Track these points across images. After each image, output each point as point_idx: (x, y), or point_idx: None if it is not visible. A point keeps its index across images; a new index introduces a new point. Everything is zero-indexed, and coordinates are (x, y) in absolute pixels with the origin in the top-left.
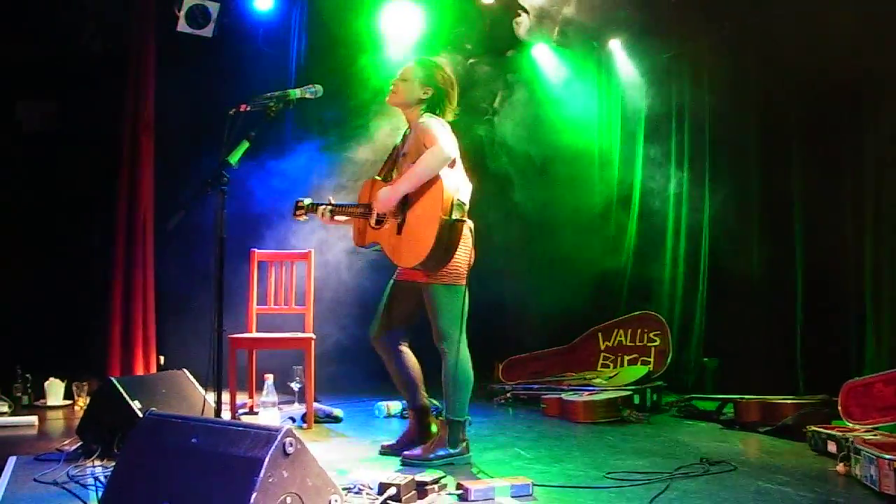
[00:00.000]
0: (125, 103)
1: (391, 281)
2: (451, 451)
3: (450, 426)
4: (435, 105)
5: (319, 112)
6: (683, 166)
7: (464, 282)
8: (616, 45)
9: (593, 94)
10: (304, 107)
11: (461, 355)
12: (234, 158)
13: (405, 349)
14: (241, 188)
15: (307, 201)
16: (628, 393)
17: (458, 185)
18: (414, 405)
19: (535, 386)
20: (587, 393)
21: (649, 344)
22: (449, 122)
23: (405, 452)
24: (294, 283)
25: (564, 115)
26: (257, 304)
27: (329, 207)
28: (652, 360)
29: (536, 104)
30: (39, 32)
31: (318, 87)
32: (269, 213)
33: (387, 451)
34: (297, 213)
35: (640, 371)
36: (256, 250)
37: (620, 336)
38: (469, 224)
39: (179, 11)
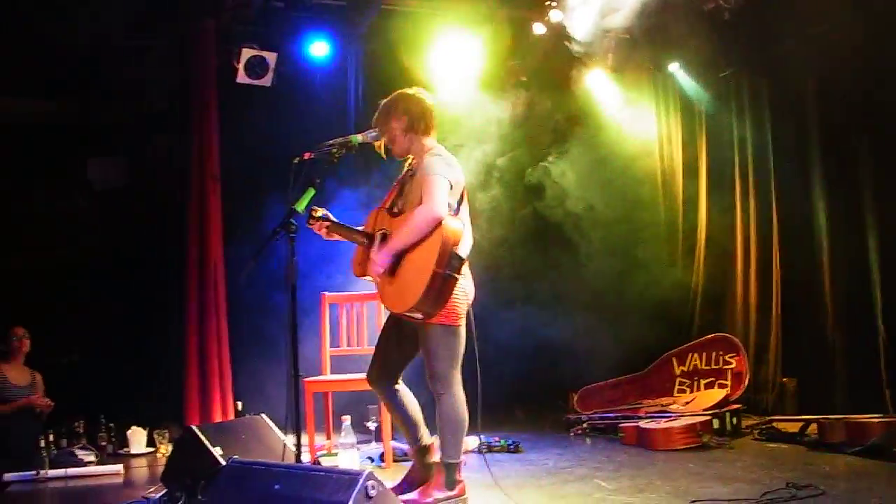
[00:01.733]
0: (191, 156)
1: (388, 318)
2: (449, 493)
3: (446, 468)
4: (416, 127)
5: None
6: (748, 183)
7: (460, 322)
8: (673, 68)
9: (652, 117)
10: (364, 147)
11: (456, 397)
12: (301, 206)
13: (402, 388)
14: (309, 232)
15: (320, 212)
16: (707, 418)
17: (458, 236)
18: (415, 444)
19: (612, 414)
20: (665, 420)
21: (725, 367)
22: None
23: (402, 497)
24: (365, 323)
25: (624, 140)
26: (330, 347)
27: (327, 223)
28: (729, 382)
29: (595, 130)
30: (107, 93)
31: (378, 132)
32: (335, 255)
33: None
34: (310, 221)
35: (717, 395)
36: (326, 294)
37: (695, 360)
38: (470, 280)
39: (238, 63)
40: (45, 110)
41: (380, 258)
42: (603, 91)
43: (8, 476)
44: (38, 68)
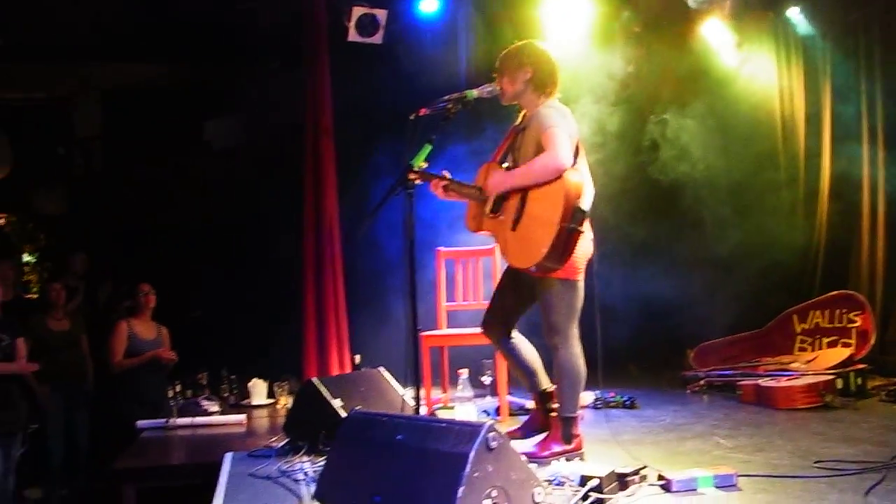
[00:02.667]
0: (305, 114)
1: (506, 267)
2: (566, 447)
3: (563, 422)
4: (541, 84)
5: (493, 107)
6: (876, 134)
7: (579, 276)
8: (794, 13)
9: (772, 67)
10: (478, 103)
11: (573, 350)
12: (417, 161)
13: (517, 336)
14: (423, 187)
15: (420, 168)
16: (830, 377)
17: (580, 189)
18: (535, 390)
19: (730, 372)
20: (785, 378)
21: (849, 325)
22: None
23: (520, 449)
24: (480, 278)
25: (742, 92)
26: (446, 301)
27: (444, 182)
28: (853, 341)
29: (712, 82)
30: (221, 56)
31: (495, 86)
32: (450, 209)
33: (513, 437)
34: (411, 176)
35: (840, 354)
36: (442, 249)
37: (817, 318)
38: (588, 232)
39: (349, 22)
40: (163, 74)
41: (496, 177)
42: (720, 41)
43: (140, 423)
44: (155, 33)
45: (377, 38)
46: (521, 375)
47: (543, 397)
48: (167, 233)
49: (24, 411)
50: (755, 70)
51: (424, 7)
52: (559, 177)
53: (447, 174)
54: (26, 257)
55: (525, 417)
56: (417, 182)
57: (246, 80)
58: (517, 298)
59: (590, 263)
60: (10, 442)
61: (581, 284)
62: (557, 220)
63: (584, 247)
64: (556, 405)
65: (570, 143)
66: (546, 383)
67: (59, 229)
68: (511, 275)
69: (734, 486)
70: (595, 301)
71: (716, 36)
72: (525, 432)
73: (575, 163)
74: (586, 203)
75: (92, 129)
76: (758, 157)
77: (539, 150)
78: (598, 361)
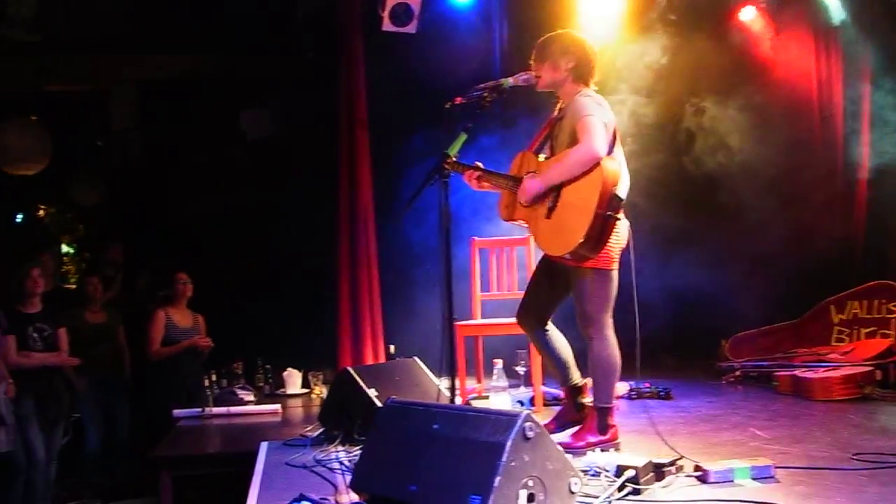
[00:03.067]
0: (339, 104)
1: (541, 258)
2: (601, 437)
3: (598, 413)
4: (582, 73)
5: (528, 96)
6: None
7: (613, 266)
8: None
9: (809, 54)
10: (512, 92)
11: (608, 340)
12: (453, 150)
13: (551, 328)
14: (457, 177)
15: (453, 159)
16: (868, 368)
17: (617, 176)
18: (566, 384)
19: (766, 363)
20: (823, 369)
21: (888, 315)
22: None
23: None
24: (515, 268)
25: (779, 79)
26: (480, 291)
27: (477, 173)
28: (892, 332)
29: (749, 72)
30: (256, 46)
31: (531, 74)
32: (484, 199)
33: (546, 430)
34: (447, 165)
35: (879, 345)
36: (476, 238)
37: (855, 308)
38: (625, 220)
39: (383, 11)
40: (198, 65)
41: (530, 185)
42: (756, 29)
43: (177, 412)
44: (190, 25)
45: (411, 28)
46: (554, 368)
47: (574, 391)
48: (203, 222)
49: (66, 401)
50: (791, 58)
51: None
52: (596, 164)
53: (480, 165)
54: (65, 248)
55: (559, 408)
56: (452, 172)
57: (281, 71)
58: (552, 290)
59: (626, 253)
60: (53, 431)
61: (615, 274)
62: (594, 207)
63: (619, 236)
64: (587, 399)
65: (606, 131)
66: (577, 377)
67: (96, 220)
68: (546, 266)
69: (772, 477)
70: (633, 291)
71: (752, 23)
72: (557, 425)
73: (611, 151)
74: (622, 190)
75: (129, 120)
76: (794, 146)
77: (574, 139)
78: (637, 351)
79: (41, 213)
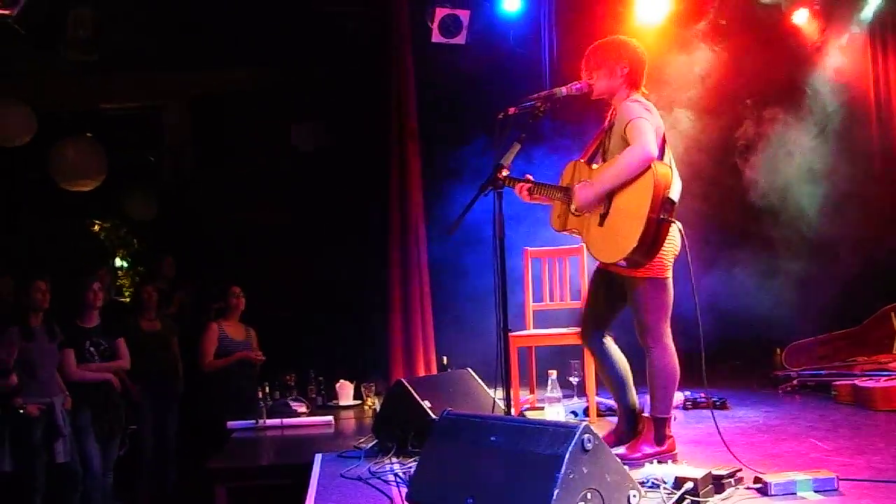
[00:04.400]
0: (390, 115)
1: (595, 270)
2: (658, 448)
3: (655, 423)
4: (635, 80)
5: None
6: None
7: (668, 273)
8: None
9: (866, 54)
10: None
11: (667, 350)
12: (506, 161)
13: (611, 344)
14: (509, 188)
15: (505, 172)
16: None
17: (668, 179)
18: (622, 403)
19: (824, 372)
20: (884, 378)
21: None
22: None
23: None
24: (568, 278)
25: (836, 82)
26: (533, 301)
27: (528, 185)
28: None
29: (804, 76)
30: (307, 59)
31: (585, 83)
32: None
33: None
34: (500, 176)
35: None
36: (529, 248)
37: None
38: (678, 226)
39: (433, 23)
40: (249, 79)
41: (584, 193)
42: (810, 29)
43: (231, 424)
44: (240, 39)
45: (461, 39)
46: (610, 385)
47: (628, 411)
48: (254, 235)
49: (123, 413)
50: (847, 60)
51: (507, 6)
52: (647, 168)
53: (531, 177)
54: (119, 262)
55: (613, 418)
56: (512, 186)
57: (331, 83)
58: (609, 301)
59: (685, 263)
60: (110, 442)
61: (670, 282)
62: (646, 211)
63: (672, 244)
64: (639, 418)
65: (656, 134)
66: (634, 399)
67: (150, 234)
68: (601, 277)
69: (835, 490)
70: (695, 297)
71: (805, 26)
72: (614, 440)
73: (661, 156)
74: (675, 193)
75: (181, 135)
76: (852, 151)
77: (625, 144)
78: (703, 361)
79: (96, 227)
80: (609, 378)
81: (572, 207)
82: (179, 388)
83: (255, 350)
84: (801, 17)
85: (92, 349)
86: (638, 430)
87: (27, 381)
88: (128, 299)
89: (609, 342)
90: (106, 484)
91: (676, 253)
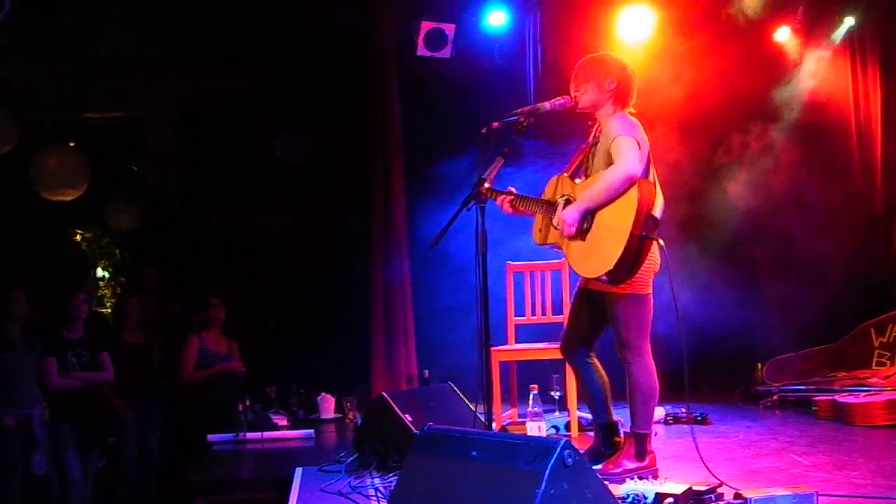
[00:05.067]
0: (374, 128)
1: (577, 289)
2: (639, 463)
3: (636, 438)
4: (622, 96)
5: (557, 119)
6: None
7: (648, 290)
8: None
9: (845, 70)
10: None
11: (646, 365)
12: (489, 175)
13: (594, 362)
14: (492, 201)
15: (486, 185)
16: None
17: (652, 196)
18: (599, 420)
19: (804, 387)
20: (864, 394)
21: None
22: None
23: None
24: (550, 292)
25: (815, 98)
26: (515, 316)
27: (510, 198)
28: None
29: (785, 93)
30: (291, 70)
31: (568, 98)
32: (518, 223)
33: None
34: (483, 189)
35: None
36: (511, 262)
37: None
38: (660, 242)
39: (418, 37)
40: (233, 89)
41: (569, 216)
42: (791, 48)
43: (211, 437)
44: (224, 49)
45: (446, 53)
46: (589, 401)
47: (606, 429)
48: (238, 247)
49: (104, 424)
50: (827, 78)
51: (492, 21)
52: (631, 185)
53: (513, 190)
54: (100, 272)
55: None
56: (494, 198)
57: (316, 95)
58: (592, 317)
59: (667, 279)
60: (90, 454)
61: (650, 298)
62: (629, 227)
63: (653, 260)
64: (618, 438)
65: (641, 151)
66: (612, 416)
67: (132, 245)
68: (584, 294)
69: None
70: (678, 314)
71: (786, 44)
72: (589, 459)
73: (646, 173)
74: (658, 211)
75: (165, 145)
76: (830, 163)
77: (609, 161)
78: (685, 376)
79: (78, 237)
80: (589, 394)
81: (554, 221)
82: (161, 400)
83: (236, 363)
84: (783, 35)
85: (74, 360)
86: (613, 446)
87: (4, 392)
88: (108, 310)
89: (593, 360)
90: (85, 495)
91: (657, 269)
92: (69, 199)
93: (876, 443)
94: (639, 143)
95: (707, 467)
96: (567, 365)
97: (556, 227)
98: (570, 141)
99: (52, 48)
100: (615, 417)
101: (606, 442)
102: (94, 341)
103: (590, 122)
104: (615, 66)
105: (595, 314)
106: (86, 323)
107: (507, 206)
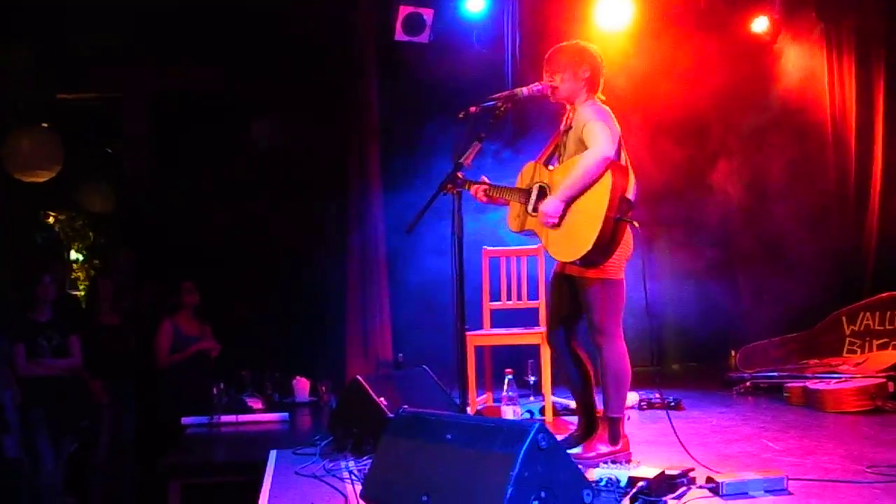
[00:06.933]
0: (350, 114)
1: (553, 275)
2: (612, 447)
3: (609, 422)
4: (594, 83)
5: (539, 105)
6: None
7: (621, 274)
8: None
9: (821, 61)
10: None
11: (618, 350)
12: (466, 160)
13: (575, 347)
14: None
15: (460, 175)
16: (881, 380)
17: (626, 180)
18: (580, 403)
19: (776, 374)
20: (834, 381)
21: None
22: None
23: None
24: (525, 278)
25: (790, 87)
26: (490, 301)
27: (484, 187)
28: None
29: (761, 82)
30: (268, 56)
31: (546, 84)
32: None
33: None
34: (459, 175)
35: (891, 356)
36: (487, 247)
37: (867, 320)
38: (635, 224)
39: (396, 21)
40: (210, 74)
41: (551, 208)
42: (768, 37)
43: (185, 420)
44: (202, 36)
45: (424, 38)
46: (570, 386)
47: (587, 411)
48: (213, 231)
49: (76, 409)
50: (804, 69)
51: (471, 6)
52: (606, 169)
53: (486, 179)
54: (74, 254)
55: (569, 418)
56: (468, 189)
57: (292, 81)
58: (572, 301)
59: (641, 264)
60: (62, 438)
61: (623, 283)
62: (604, 210)
63: (626, 245)
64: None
65: (612, 135)
66: (593, 399)
67: (106, 227)
68: (560, 279)
69: (785, 490)
70: (646, 300)
71: (764, 35)
72: (563, 445)
73: (619, 157)
74: (631, 193)
75: (140, 129)
76: (805, 152)
77: (582, 147)
78: (653, 361)
79: (51, 219)
80: (569, 378)
81: (529, 208)
82: (135, 383)
83: (210, 340)
84: (761, 25)
85: (44, 343)
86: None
87: None
88: (82, 293)
89: (574, 344)
90: (56, 480)
91: (629, 255)
92: (42, 180)
93: (845, 428)
94: (610, 128)
95: (685, 448)
96: (542, 350)
97: (531, 214)
98: (542, 128)
99: (24, 28)
100: (594, 401)
101: (587, 424)
102: (63, 324)
103: (562, 110)
104: (587, 55)
105: (573, 298)
106: (55, 305)
107: (481, 195)
